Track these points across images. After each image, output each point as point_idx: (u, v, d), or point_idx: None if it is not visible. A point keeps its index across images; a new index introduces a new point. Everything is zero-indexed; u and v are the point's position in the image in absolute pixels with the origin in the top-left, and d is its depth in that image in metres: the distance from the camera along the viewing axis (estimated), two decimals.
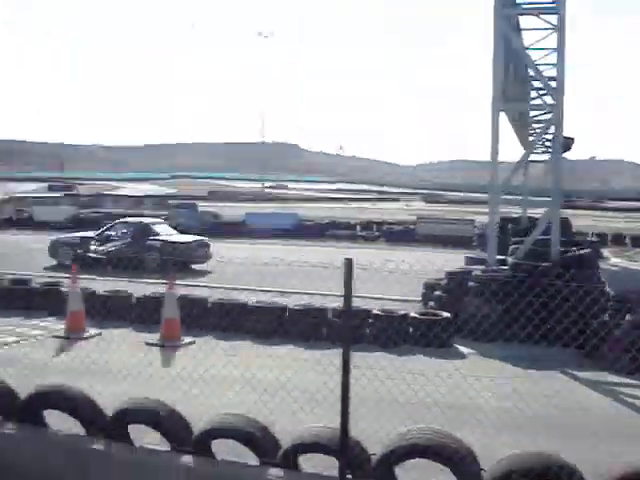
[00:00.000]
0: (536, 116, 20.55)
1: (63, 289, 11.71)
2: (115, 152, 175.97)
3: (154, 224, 21.40)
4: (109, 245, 19.71)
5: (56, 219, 32.20)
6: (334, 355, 5.08)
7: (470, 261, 15.33)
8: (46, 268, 18.15)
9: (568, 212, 26.75)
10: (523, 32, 14.29)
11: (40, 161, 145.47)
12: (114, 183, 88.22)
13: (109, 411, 5.34)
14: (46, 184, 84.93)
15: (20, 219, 34.60)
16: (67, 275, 11.19)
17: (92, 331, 10.38)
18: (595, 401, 7.78)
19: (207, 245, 20.07)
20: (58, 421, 5.52)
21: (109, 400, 5.71)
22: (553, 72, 13.49)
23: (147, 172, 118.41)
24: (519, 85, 17.90)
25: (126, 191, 69.50)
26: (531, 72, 15.67)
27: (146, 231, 20.21)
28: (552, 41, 12.86)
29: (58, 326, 10.73)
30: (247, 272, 12.28)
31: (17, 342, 10.00)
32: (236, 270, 14.93)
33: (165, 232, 20.82)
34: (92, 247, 19.73)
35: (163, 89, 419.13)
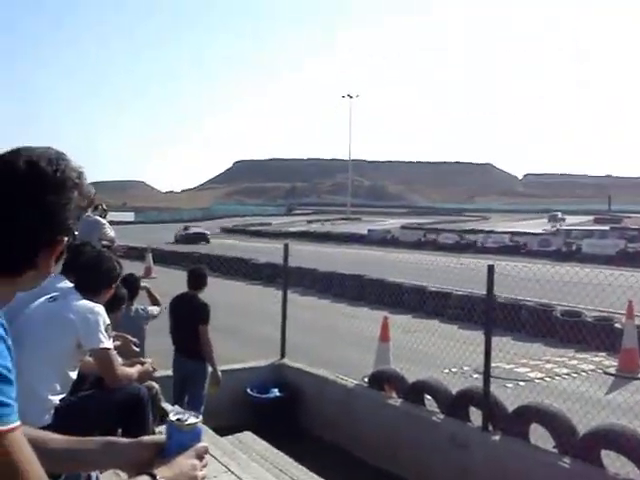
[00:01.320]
0: None
1: (617, 325, 11.43)
2: None
3: (194, 227, 51.45)
4: (179, 234, 45.99)
5: (604, 252, 31.63)
6: None
7: None
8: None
9: None
10: None
11: (587, 193, 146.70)
12: None
13: None
14: (592, 217, 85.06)
15: (569, 251, 35.00)
16: (621, 311, 10.88)
17: None
18: None
19: (204, 235, 45.59)
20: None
21: None
22: None
23: None
24: None
25: None
26: None
27: (187, 228, 48.94)
28: None
29: (610, 362, 10.50)
30: None
31: (568, 375, 10.09)
32: None
33: (192, 230, 47.65)
34: (177, 234, 45.93)
35: None
